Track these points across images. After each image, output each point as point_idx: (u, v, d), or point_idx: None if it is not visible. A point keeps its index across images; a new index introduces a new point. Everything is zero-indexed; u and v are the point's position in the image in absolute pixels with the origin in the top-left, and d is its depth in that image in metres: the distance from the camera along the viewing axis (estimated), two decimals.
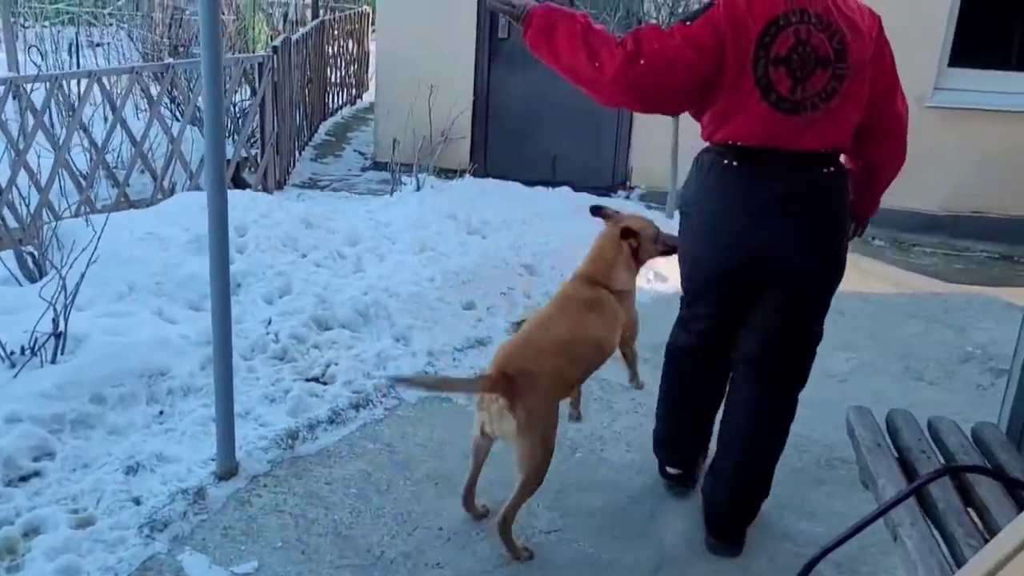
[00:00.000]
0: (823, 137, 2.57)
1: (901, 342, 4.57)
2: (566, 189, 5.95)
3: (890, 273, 5.76)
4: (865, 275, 5.51)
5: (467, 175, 6.27)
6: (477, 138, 7.43)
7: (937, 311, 5.03)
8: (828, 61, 2.52)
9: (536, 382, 2.77)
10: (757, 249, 2.64)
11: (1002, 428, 2.87)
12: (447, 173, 6.45)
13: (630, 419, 3.77)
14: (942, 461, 2.27)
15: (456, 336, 4.28)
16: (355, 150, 8.88)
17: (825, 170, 2.61)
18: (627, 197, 7.16)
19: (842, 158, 2.72)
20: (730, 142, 2.61)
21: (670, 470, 3.28)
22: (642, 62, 2.48)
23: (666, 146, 6.42)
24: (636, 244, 3.11)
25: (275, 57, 6.71)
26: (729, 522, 2.96)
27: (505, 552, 2.89)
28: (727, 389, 2.99)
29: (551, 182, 6.69)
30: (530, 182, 6.47)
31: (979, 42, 7.12)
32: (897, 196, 6.81)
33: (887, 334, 4.64)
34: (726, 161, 2.63)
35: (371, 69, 11.03)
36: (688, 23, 2.54)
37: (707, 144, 2.72)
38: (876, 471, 2.21)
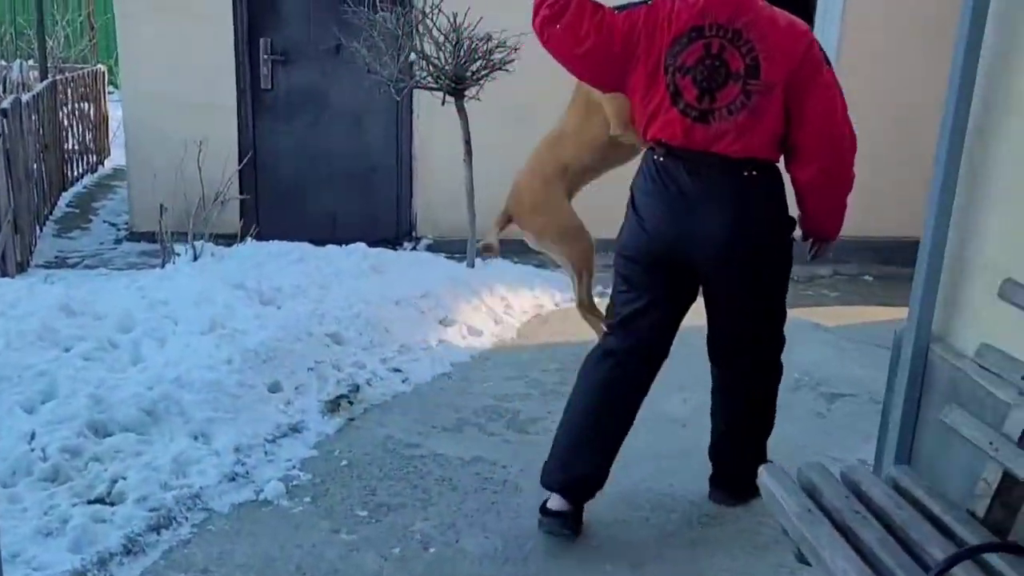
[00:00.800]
0: (736, 146, 2.69)
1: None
2: (360, 246, 5.51)
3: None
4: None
5: (249, 239, 5.67)
6: (247, 199, 6.82)
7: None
8: (739, 76, 2.65)
9: (521, 200, 3.59)
10: (676, 240, 2.79)
11: (885, 463, 2.73)
12: (220, 239, 5.82)
13: (480, 498, 3.37)
14: (877, 522, 2.04)
15: (265, 425, 3.73)
16: (105, 221, 7.99)
17: (746, 173, 2.72)
18: (414, 248, 6.80)
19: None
20: (657, 139, 2.80)
21: (552, 507, 3.01)
22: (557, 27, 2.74)
23: (454, 193, 6.15)
24: None
25: (5, 122, 5.84)
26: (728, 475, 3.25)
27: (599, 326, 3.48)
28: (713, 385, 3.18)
29: (332, 240, 6.23)
30: (311, 242, 5.96)
31: None
32: None
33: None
34: (656, 156, 2.82)
35: (112, 132, 10.09)
36: (617, 10, 2.78)
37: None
38: (817, 543, 1.94)
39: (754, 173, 2.72)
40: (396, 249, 6.58)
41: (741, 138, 2.67)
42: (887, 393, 2.84)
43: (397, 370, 4.38)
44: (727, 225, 2.72)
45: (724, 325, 2.99)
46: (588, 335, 4.81)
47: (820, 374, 4.46)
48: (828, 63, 2.76)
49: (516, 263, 6.26)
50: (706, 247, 2.76)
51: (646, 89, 2.76)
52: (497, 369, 4.51)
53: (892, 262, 7.18)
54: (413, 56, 5.21)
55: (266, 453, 3.59)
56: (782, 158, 2.83)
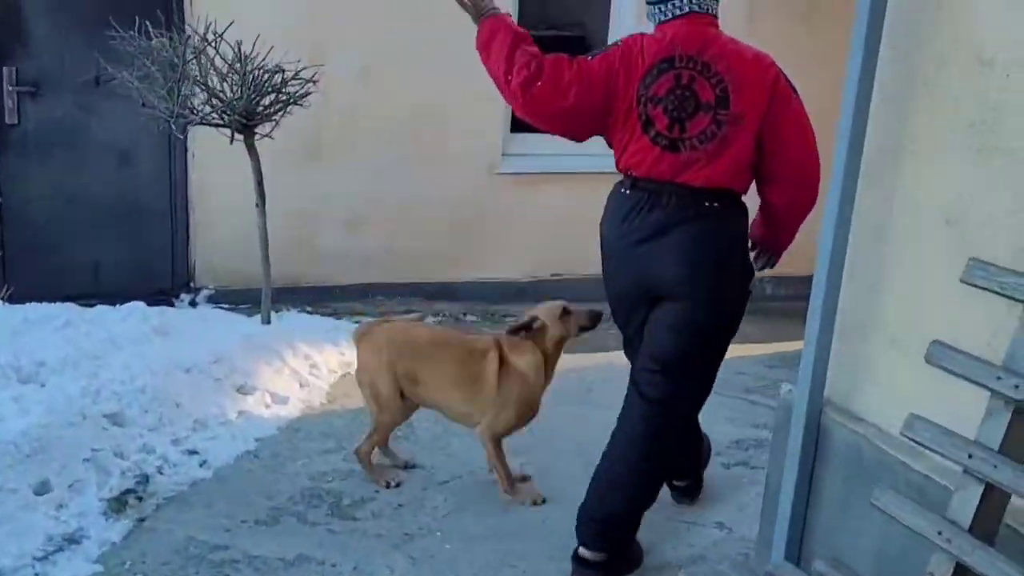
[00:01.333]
0: (703, 175, 2.79)
1: (565, 434, 4.17)
2: (138, 305, 4.79)
3: None
4: None
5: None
6: None
7: (580, 390, 4.73)
8: (709, 106, 2.77)
9: (371, 348, 3.53)
10: (642, 271, 2.89)
11: (776, 544, 2.49)
12: None
13: None
14: None
15: (33, 537, 3.06)
16: None
17: (707, 204, 2.82)
18: (192, 302, 6.10)
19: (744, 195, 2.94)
20: (626, 170, 2.93)
21: (585, 553, 3.01)
22: (539, 85, 2.80)
23: (237, 237, 5.56)
24: (537, 328, 3.51)
25: None
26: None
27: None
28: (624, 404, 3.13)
29: (97, 294, 5.46)
30: (70, 299, 5.17)
31: None
32: (481, 267, 6.82)
33: (546, 427, 4.21)
34: (623, 189, 2.95)
35: None
36: (590, 58, 2.87)
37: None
38: None
39: (715, 205, 2.84)
40: (172, 302, 5.89)
41: (708, 167, 2.79)
42: (770, 463, 2.62)
43: (193, 452, 3.78)
44: (690, 258, 2.82)
45: (659, 344, 2.97)
46: None
47: None
48: (795, 92, 2.89)
49: (313, 314, 5.74)
50: (669, 278, 2.86)
51: (622, 123, 2.87)
52: (310, 442, 4.00)
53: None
54: (196, 89, 4.60)
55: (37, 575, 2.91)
56: (754, 184, 2.99)
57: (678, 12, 2.87)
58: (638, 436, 3.01)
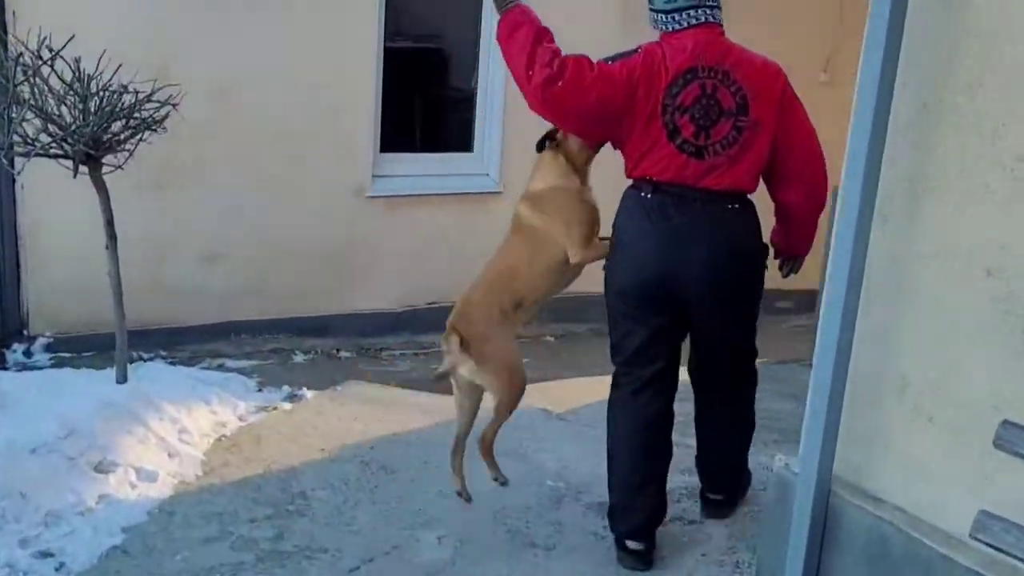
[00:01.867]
0: (724, 179, 2.95)
1: (480, 496, 3.74)
2: None
3: (400, 398, 4.92)
4: (386, 409, 4.60)
5: None
6: None
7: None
8: (731, 113, 2.93)
9: (473, 322, 3.21)
10: (668, 273, 2.98)
11: None
12: None
13: None
14: None
15: None
16: None
17: (730, 206, 3.00)
18: (26, 351, 5.34)
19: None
20: (646, 177, 3.00)
21: (631, 544, 3.24)
22: (560, 84, 2.86)
23: (79, 278, 4.90)
24: (556, 143, 3.32)
25: None
26: (720, 482, 3.53)
27: (488, 472, 3.37)
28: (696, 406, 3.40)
29: None
30: None
31: (404, 125, 6.77)
32: (353, 299, 6.32)
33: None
34: (642, 193, 3.01)
35: None
36: (610, 62, 2.94)
37: (630, 181, 3.11)
38: None
39: (736, 206, 3.02)
40: (3, 353, 5.12)
41: (729, 171, 2.96)
42: (763, 545, 2.29)
43: (47, 554, 3.16)
44: (715, 257, 2.98)
45: (709, 352, 3.25)
46: (297, 458, 3.91)
47: (577, 479, 3.90)
48: (796, 95, 3.09)
49: (173, 364, 5.11)
50: (696, 278, 2.99)
51: (642, 130, 2.95)
52: (189, 528, 3.42)
53: (567, 319, 6.95)
54: (30, 114, 3.92)
55: None
56: (766, 185, 3.16)
57: (694, 22, 2.98)
58: (721, 429, 3.42)
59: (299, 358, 5.91)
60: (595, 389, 5.33)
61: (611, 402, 3.29)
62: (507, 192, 6.62)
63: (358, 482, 3.79)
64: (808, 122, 3.09)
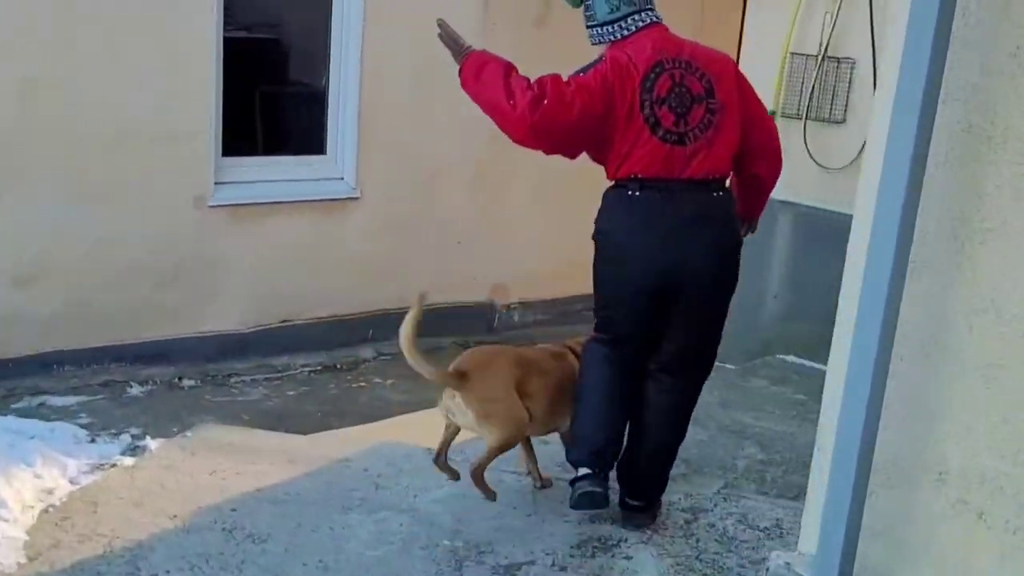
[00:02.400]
0: (706, 165, 3.08)
1: (366, 563, 3.25)
2: None
3: (261, 441, 4.32)
4: (246, 457, 3.99)
5: None
6: None
7: (365, 485, 3.77)
8: (701, 98, 3.07)
9: (491, 375, 3.37)
10: (667, 267, 3.10)
11: None
12: None
13: None
14: None
15: None
16: None
17: (715, 194, 3.13)
18: None
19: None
20: (631, 175, 3.10)
21: (583, 470, 3.34)
22: (546, 102, 2.98)
23: None
24: None
25: None
26: (644, 486, 3.45)
27: (480, 493, 3.51)
28: (644, 393, 3.35)
29: None
30: None
31: (248, 126, 6.13)
32: (195, 320, 5.64)
33: (339, 551, 3.27)
34: (630, 192, 3.11)
35: None
36: (581, 74, 3.10)
37: (612, 182, 3.20)
38: None
39: (721, 193, 3.18)
40: None
41: (709, 155, 3.09)
42: None
43: None
44: (708, 249, 3.13)
45: (687, 338, 3.27)
46: (145, 529, 3.32)
47: (478, 535, 3.43)
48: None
49: None
50: (692, 271, 3.11)
51: (624, 129, 3.05)
52: None
53: (427, 332, 6.48)
54: None
55: None
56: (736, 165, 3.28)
57: (641, 25, 3.15)
58: (671, 414, 3.37)
59: (135, 390, 5.23)
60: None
61: (591, 351, 3.38)
62: (365, 197, 6.12)
63: (221, 557, 3.21)
64: (761, 102, 3.35)
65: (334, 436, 4.61)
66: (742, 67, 3.46)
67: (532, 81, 3.01)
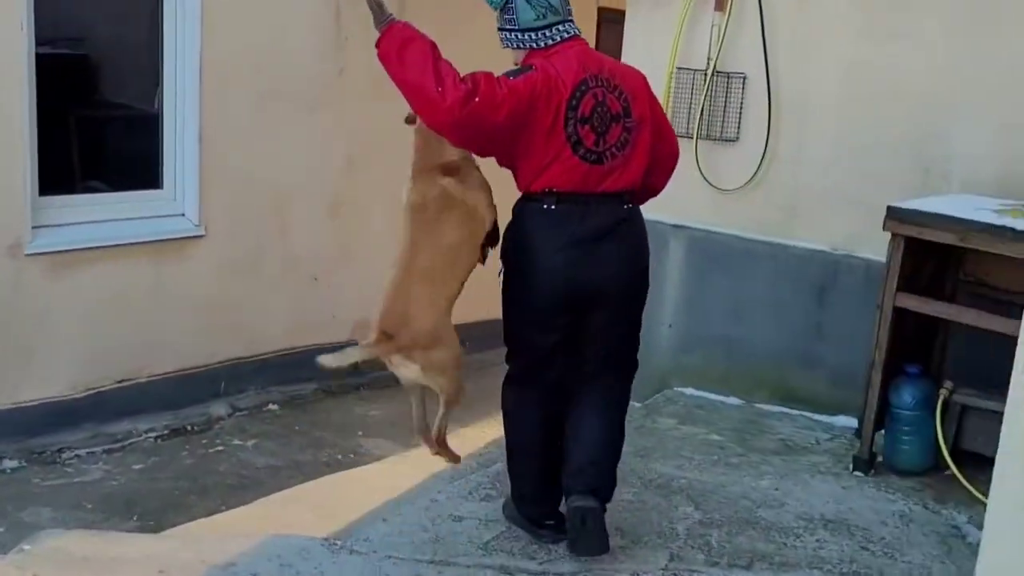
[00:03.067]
0: (621, 180, 3.13)
1: None
2: None
3: (118, 551, 3.51)
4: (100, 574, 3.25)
5: None
6: None
7: None
8: (619, 117, 3.10)
9: (416, 323, 3.23)
10: (584, 278, 3.11)
11: None
12: None
13: None
14: None
15: None
16: None
17: (625, 206, 3.18)
18: None
19: None
20: (547, 189, 3.07)
21: (549, 522, 3.36)
22: (477, 99, 2.87)
23: None
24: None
25: None
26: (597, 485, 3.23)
27: (445, 459, 3.56)
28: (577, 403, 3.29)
29: None
30: None
31: (69, 159, 5.28)
32: (12, 388, 4.78)
33: None
34: (544, 206, 3.09)
35: None
36: (512, 77, 2.98)
37: (523, 194, 3.16)
38: None
39: (631, 205, 3.19)
40: None
41: (625, 171, 3.12)
42: None
43: None
44: (624, 257, 3.15)
45: (608, 342, 3.25)
46: None
47: None
48: None
49: None
50: (608, 279, 3.12)
51: (542, 144, 3.02)
52: None
53: (286, 380, 5.88)
54: None
55: None
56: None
57: (566, 36, 3.10)
58: (611, 411, 3.31)
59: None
60: (378, 482, 4.38)
61: (514, 401, 3.34)
62: (210, 234, 5.41)
63: None
64: (666, 117, 3.48)
65: (206, 528, 3.91)
66: None
67: (468, 75, 2.91)
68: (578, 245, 3.07)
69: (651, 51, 4.99)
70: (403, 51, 2.89)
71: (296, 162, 5.73)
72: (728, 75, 4.84)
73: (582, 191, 3.07)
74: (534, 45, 3.08)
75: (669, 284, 5.11)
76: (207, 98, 5.26)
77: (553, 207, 3.07)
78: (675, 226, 5.04)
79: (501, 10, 3.10)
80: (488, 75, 2.94)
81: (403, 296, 3.24)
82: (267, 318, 5.75)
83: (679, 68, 4.95)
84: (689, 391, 5.08)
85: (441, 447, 3.49)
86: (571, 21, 3.13)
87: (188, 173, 5.31)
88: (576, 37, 3.13)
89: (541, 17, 3.06)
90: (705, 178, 4.93)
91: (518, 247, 3.16)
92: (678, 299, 5.12)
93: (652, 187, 3.40)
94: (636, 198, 3.24)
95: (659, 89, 4.97)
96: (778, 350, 4.82)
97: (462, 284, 3.29)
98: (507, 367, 3.35)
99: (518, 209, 3.17)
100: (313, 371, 6.03)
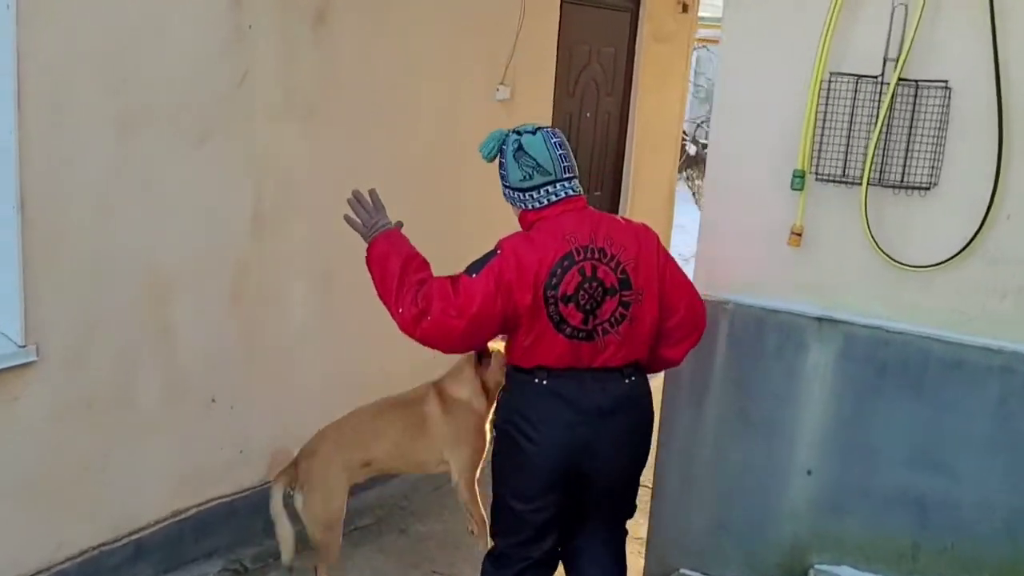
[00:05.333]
0: (618, 356, 2.93)
1: None
2: None
3: None
4: None
5: None
6: None
7: None
8: (615, 290, 2.88)
9: (322, 468, 3.51)
10: (578, 454, 2.94)
11: None
12: None
13: None
14: None
15: None
16: None
17: (627, 380, 2.97)
18: None
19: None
20: (538, 366, 2.93)
21: None
22: (428, 319, 2.81)
23: None
24: (488, 360, 3.56)
25: None
26: None
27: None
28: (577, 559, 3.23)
29: None
30: None
31: None
32: None
33: None
34: (536, 380, 2.95)
35: None
36: (473, 274, 2.82)
37: (514, 367, 3.02)
38: None
39: (633, 378, 3.00)
40: None
41: (623, 347, 2.93)
42: None
43: None
44: (623, 431, 2.99)
45: (606, 510, 3.16)
46: None
47: None
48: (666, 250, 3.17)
49: None
50: (606, 452, 2.96)
51: (528, 325, 2.86)
52: None
53: (174, 565, 3.90)
54: None
55: None
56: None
57: (554, 199, 2.91)
58: (616, 554, 3.23)
59: None
60: None
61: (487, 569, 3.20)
62: (45, 359, 3.28)
63: None
64: (684, 275, 3.10)
65: None
66: None
67: (421, 291, 2.83)
68: (573, 424, 2.93)
69: (778, 47, 3.27)
70: (381, 267, 2.92)
71: (180, 225, 3.63)
72: (919, 84, 3.12)
73: (575, 367, 2.92)
74: (523, 205, 2.95)
75: (808, 411, 3.43)
76: (31, 130, 3.09)
77: (545, 382, 2.94)
78: (822, 319, 3.36)
79: (498, 164, 2.97)
80: (442, 288, 2.83)
81: (339, 430, 3.55)
82: (140, 475, 3.65)
83: (833, 74, 3.20)
84: (845, 573, 3.42)
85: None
86: (566, 180, 2.93)
87: (8, 283, 3.12)
88: (571, 198, 2.93)
89: (528, 178, 2.91)
90: (878, 245, 3.22)
91: (511, 420, 3.02)
92: (824, 432, 3.43)
93: (666, 359, 3.19)
94: (642, 369, 3.05)
95: (794, 109, 3.27)
96: (1009, 515, 3.24)
97: (371, 463, 3.59)
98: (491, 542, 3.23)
99: (513, 379, 3.04)
100: (217, 541, 4.08)
